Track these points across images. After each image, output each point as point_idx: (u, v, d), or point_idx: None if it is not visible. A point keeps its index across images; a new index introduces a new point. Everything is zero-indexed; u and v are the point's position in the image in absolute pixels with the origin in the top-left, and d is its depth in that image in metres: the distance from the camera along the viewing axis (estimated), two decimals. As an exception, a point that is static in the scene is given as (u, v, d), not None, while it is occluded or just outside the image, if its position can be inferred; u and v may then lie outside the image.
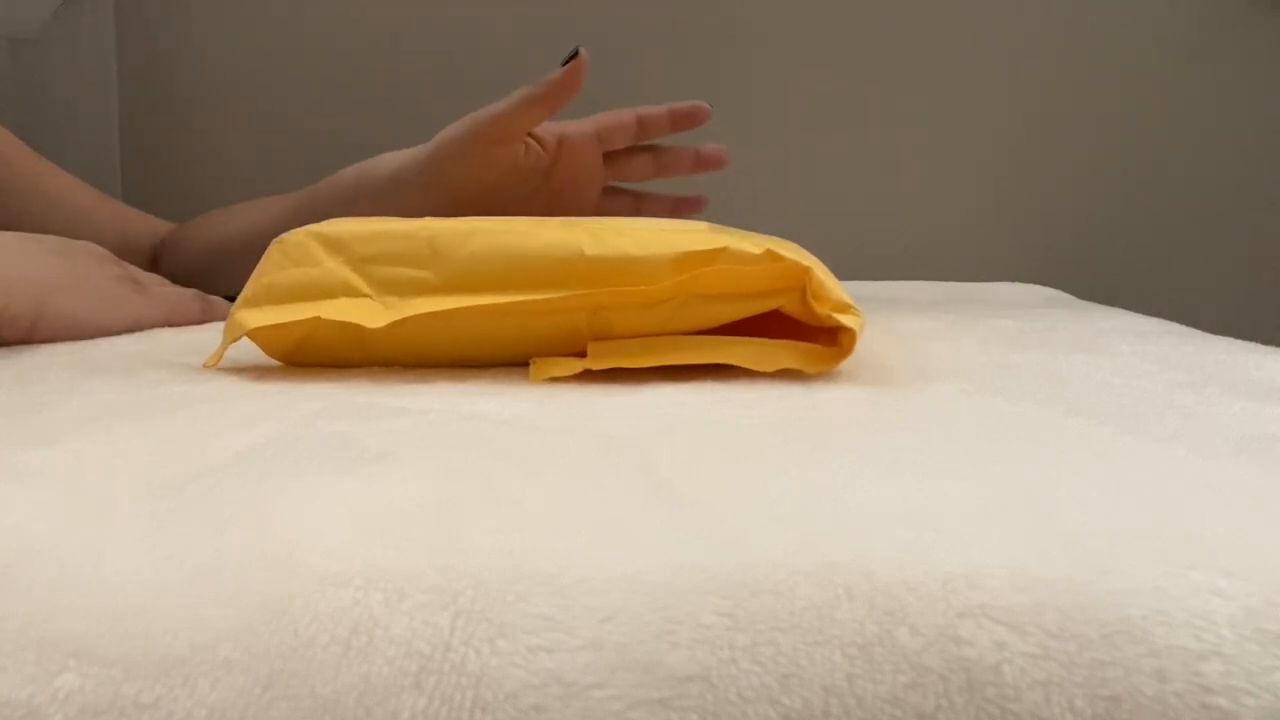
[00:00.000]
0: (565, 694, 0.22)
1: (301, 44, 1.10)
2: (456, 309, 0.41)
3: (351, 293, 0.42)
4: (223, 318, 0.61)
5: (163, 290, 0.60)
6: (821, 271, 0.41)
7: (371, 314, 0.41)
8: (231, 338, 0.42)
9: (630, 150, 0.74)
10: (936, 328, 0.56)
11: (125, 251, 0.74)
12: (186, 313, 0.59)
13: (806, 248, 0.46)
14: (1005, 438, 0.32)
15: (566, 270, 0.41)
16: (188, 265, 0.76)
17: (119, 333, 0.54)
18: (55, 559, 0.24)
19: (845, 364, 0.42)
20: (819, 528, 0.25)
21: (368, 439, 0.31)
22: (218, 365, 0.44)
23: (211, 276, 0.73)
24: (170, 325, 0.58)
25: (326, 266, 0.42)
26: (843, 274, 0.51)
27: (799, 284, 0.41)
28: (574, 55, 0.65)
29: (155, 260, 0.79)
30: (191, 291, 0.62)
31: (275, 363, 0.44)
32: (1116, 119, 1.11)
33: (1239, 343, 0.52)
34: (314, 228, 0.43)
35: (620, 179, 0.74)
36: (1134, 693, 0.22)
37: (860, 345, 0.47)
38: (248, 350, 0.46)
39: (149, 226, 0.81)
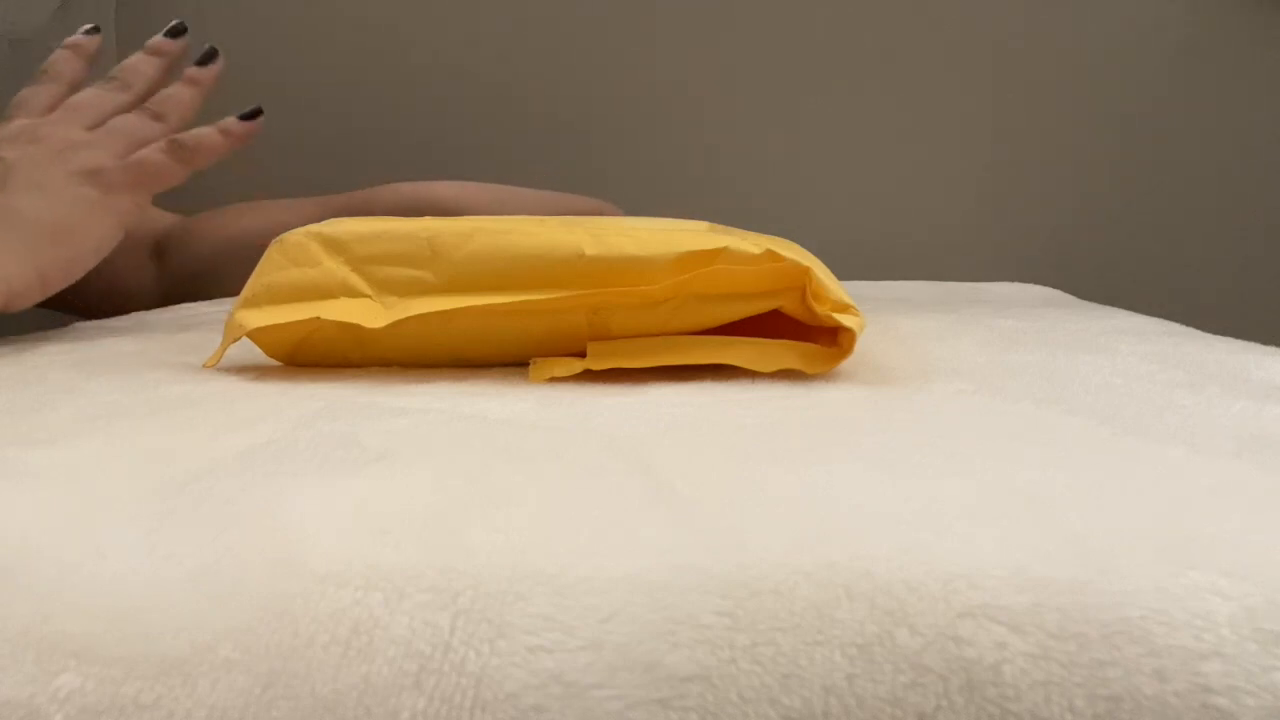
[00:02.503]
0: (565, 694, 0.22)
1: (302, 44, 1.10)
2: (456, 309, 0.41)
3: (351, 293, 0.42)
4: (184, 161, 0.60)
5: (122, 166, 0.57)
6: (821, 271, 0.41)
7: (371, 314, 0.41)
8: (231, 338, 0.42)
9: None
10: (936, 328, 0.56)
11: (127, 242, 0.74)
12: (155, 178, 0.57)
13: (807, 248, 0.46)
14: (1005, 438, 0.32)
15: (566, 270, 0.41)
16: (200, 259, 0.76)
17: (114, 243, 0.56)
18: (55, 559, 0.24)
19: (845, 364, 0.42)
20: (819, 528, 0.25)
21: (368, 439, 0.31)
22: (217, 365, 0.44)
23: (227, 271, 0.73)
24: (137, 192, 0.56)
25: (326, 267, 0.42)
26: (843, 274, 0.51)
27: (799, 284, 0.41)
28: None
29: (161, 253, 0.79)
30: (157, 144, 0.59)
31: (275, 363, 0.44)
32: (1116, 118, 1.11)
33: (1239, 343, 0.52)
34: (314, 227, 0.43)
35: None
36: (1134, 693, 0.22)
37: (860, 345, 0.47)
38: (248, 350, 0.46)
39: (150, 217, 0.80)
